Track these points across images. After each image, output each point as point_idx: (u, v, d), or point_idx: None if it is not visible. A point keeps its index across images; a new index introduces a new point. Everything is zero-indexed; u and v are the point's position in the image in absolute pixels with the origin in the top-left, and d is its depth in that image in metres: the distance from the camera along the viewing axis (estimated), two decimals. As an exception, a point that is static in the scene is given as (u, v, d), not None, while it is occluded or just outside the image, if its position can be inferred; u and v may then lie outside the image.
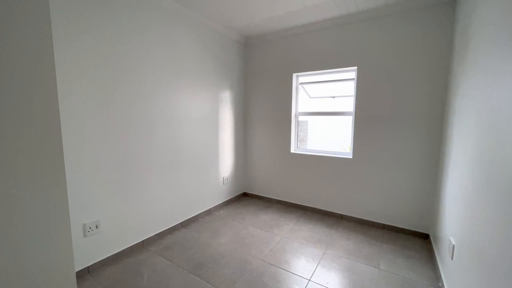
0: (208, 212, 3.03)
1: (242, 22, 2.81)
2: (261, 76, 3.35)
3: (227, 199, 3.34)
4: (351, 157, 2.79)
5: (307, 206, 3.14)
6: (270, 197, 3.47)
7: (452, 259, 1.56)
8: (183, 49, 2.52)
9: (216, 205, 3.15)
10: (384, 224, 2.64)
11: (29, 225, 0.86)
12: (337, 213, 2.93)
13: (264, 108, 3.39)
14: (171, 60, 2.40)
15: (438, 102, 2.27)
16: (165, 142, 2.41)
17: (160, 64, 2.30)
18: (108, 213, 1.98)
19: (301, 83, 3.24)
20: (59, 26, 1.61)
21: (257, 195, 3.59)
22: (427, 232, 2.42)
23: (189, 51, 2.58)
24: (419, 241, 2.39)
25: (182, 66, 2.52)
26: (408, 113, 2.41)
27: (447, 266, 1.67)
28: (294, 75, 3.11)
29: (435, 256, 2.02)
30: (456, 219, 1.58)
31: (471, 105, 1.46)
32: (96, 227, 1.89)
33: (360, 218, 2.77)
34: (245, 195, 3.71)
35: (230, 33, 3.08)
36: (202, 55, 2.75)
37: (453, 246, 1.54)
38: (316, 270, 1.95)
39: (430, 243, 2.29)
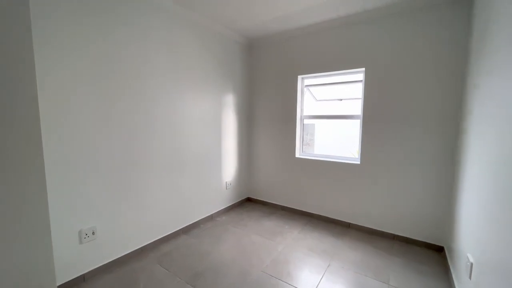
0: (210, 218, 2.95)
1: (245, 23, 2.75)
2: (265, 78, 3.28)
3: (229, 205, 3.26)
4: (359, 162, 2.65)
5: (313, 213, 3.02)
6: (274, 203, 3.36)
7: (470, 278, 1.41)
8: (184, 52, 2.47)
9: (219, 211, 3.08)
10: (394, 235, 2.48)
11: (3, 230, 0.81)
12: (344, 222, 2.79)
13: (268, 111, 3.30)
14: (173, 63, 2.36)
15: (452, 103, 2.12)
16: (166, 146, 2.37)
17: (162, 68, 2.27)
18: (106, 219, 1.94)
19: (307, 86, 3.14)
20: (59, 37, 1.61)
21: (261, 201, 3.50)
22: (441, 245, 2.25)
23: (190, 54, 2.54)
24: (432, 254, 2.22)
25: (184, 69, 2.48)
26: (420, 116, 2.27)
27: (465, 286, 1.52)
28: (299, 77, 3.02)
29: (450, 273, 1.86)
30: (474, 233, 1.43)
31: (492, 106, 1.32)
32: (93, 233, 1.85)
33: (368, 228, 2.63)
34: (248, 200, 3.62)
35: (233, 35, 3.03)
36: (204, 58, 2.70)
37: (471, 264, 1.40)
38: (320, 283, 1.83)
39: (445, 257, 2.12)
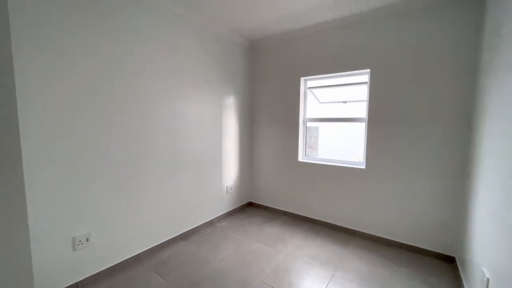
0: (210, 223, 2.88)
1: (246, 24, 2.69)
2: (267, 80, 3.21)
3: (230, 209, 3.19)
4: (364, 167, 2.55)
5: (316, 219, 2.91)
6: (276, 208, 3.27)
7: (486, 295, 1.30)
8: (184, 53, 2.43)
9: (219, 216, 3.00)
10: (402, 243, 2.36)
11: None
12: (348, 228, 2.68)
13: (270, 114, 3.23)
14: (173, 65, 2.32)
15: (463, 104, 2.01)
16: (166, 149, 2.31)
17: (162, 68, 2.24)
18: (101, 225, 1.88)
19: (310, 88, 3.06)
20: (63, 42, 1.62)
21: (263, 205, 3.41)
22: (452, 255, 2.12)
23: (190, 55, 2.49)
24: (443, 265, 2.10)
25: (184, 71, 2.43)
26: (428, 118, 2.16)
27: (480, 302, 1.40)
28: (302, 79, 2.94)
29: (463, 286, 1.74)
30: (490, 244, 1.32)
31: (508, 106, 1.22)
32: (87, 240, 1.79)
33: (374, 235, 2.51)
34: (250, 205, 3.54)
35: (234, 36, 2.97)
36: (204, 59, 2.65)
37: (487, 279, 1.29)
38: (322, 296, 1.74)
39: (456, 268, 2.00)
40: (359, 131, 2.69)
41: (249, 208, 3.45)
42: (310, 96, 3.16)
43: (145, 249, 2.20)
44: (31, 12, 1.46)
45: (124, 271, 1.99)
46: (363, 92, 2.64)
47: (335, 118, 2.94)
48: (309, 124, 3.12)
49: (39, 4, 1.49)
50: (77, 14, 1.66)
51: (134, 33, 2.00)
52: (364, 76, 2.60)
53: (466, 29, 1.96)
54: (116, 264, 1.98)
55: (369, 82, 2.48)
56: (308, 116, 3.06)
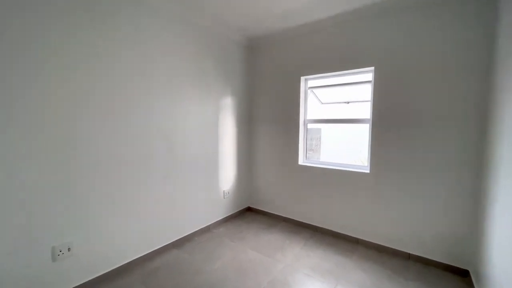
0: (206, 230, 2.74)
1: (247, 23, 2.58)
2: (266, 79, 3.08)
3: (227, 215, 3.04)
4: (368, 171, 2.39)
5: (317, 227, 2.76)
6: (276, 213, 3.12)
7: (509, 320, 1.14)
8: (184, 54, 2.36)
9: (215, 222, 2.86)
10: (409, 254, 2.19)
11: None
12: (352, 237, 2.51)
13: (269, 115, 3.10)
14: (172, 66, 2.26)
15: (476, 105, 1.85)
16: (159, 151, 2.20)
17: (162, 71, 2.18)
18: (84, 232, 1.75)
19: (310, 87, 2.92)
20: (62, 45, 1.59)
21: (262, 211, 3.26)
22: (466, 268, 1.95)
23: (190, 56, 2.42)
24: (455, 279, 1.92)
25: (183, 72, 2.37)
26: (437, 119, 2.01)
27: (501, 327, 1.24)
28: (302, 78, 2.81)
29: (479, 304, 1.58)
30: (514, 263, 1.16)
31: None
32: (68, 249, 1.66)
33: (379, 244, 2.35)
34: (249, 210, 3.39)
35: (234, 35, 2.86)
36: (204, 60, 2.57)
37: (511, 302, 1.13)
38: (323, 313, 1.58)
39: (471, 283, 1.82)
40: (363, 132, 2.54)
41: (248, 213, 3.31)
42: (311, 97, 3.02)
43: (134, 258, 2.07)
44: (31, 12, 1.44)
45: (110, 282, 1.86)
46: (367, 92, 2.50)
47: (337, 119, 2.80)
48: (310, 125, 2.98)
49: (39, 4, 1.47)
50: (77, 14, 1.64)
51: (134, 33, 1.97)
52: (367, 74, 2.46)
53: (484, 24, 1.80)
54: (101, 275, 1.85)
55: (373, 81, 2.33)
56: (309, 117, 2.92)
